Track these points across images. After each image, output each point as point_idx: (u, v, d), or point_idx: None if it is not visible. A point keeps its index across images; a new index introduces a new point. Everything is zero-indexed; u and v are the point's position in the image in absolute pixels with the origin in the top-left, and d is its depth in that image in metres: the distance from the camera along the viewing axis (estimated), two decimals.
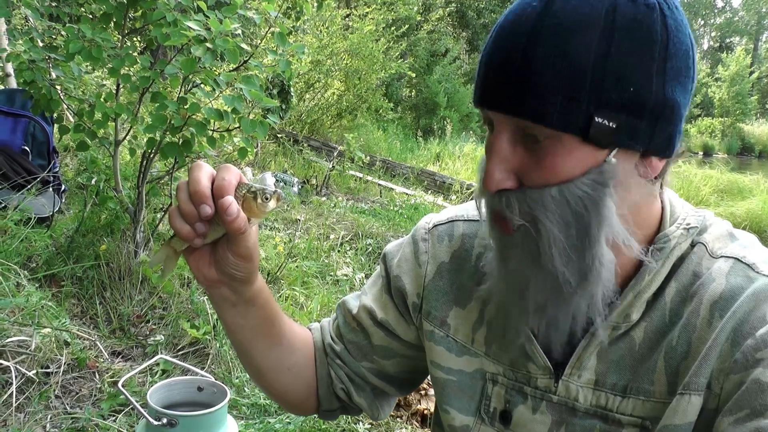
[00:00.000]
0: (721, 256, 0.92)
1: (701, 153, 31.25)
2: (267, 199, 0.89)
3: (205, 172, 0.88)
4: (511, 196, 0.86)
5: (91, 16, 3.77)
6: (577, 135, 0.81)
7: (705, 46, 66.80)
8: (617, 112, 0.80)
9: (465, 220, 1.15)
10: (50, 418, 2.44)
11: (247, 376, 2.72)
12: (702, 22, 66.71)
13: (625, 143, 0.82)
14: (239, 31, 3.10)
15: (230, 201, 0.86)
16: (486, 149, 0.90)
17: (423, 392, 3.07)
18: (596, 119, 0.80)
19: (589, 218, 0.83)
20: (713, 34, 67.02)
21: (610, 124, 0.80)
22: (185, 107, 3.13)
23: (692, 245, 0.94)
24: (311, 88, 12.95)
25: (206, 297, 3.24)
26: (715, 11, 67.28)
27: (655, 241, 0.93)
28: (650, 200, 0.93)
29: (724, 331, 0.85)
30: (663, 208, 0.96)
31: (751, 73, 38.96)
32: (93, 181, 3.99)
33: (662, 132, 0.83)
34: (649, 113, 0.81)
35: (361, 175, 9.59)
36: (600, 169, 0.83)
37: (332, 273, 4.84)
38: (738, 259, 0.90)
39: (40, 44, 3.55)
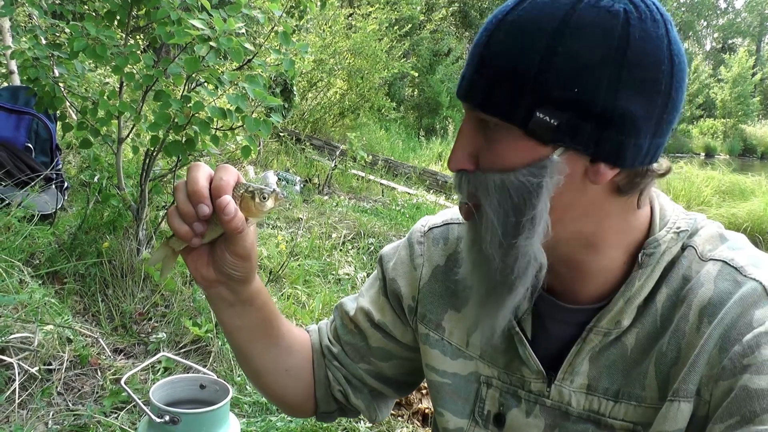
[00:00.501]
0: (710, 259, 0.91)
1: (703, 154, 31.22)
2: (265, 198, 0.89)
3: (203, 172, 0.89)
4: (464, 176, 0.91)
5: (94, 14, 3.77)
6: (519, 127, 0.83)
7: (707, 47, 66.74)
8: (560, 111, 0.81)
9: (460, 223, 1.15)
10: (52, 415, 2.45)
11: None
12: (705, 23, 66.63)
13: (567, 143, 0.82)
14: (243, 30, 3.11)
15: (228, 200, 0.86)
16: None
17: (424, 391, 3.08)
18: (537, 114, 0.81)
19: (524, 209, 0.85)
20: (716, 35, 66.93)
21: (552, 121, 0.81)
22: (189, 106, 3.13)
23: (683, 248, 0.94)
24: (314, 87, 12.95)
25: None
26: (718, 12, 67.18)
27: (644, 246, 0.93)
28: (624, 210, 0.92)
29: (712, 337, 0.85)
30: (652, 212, 0.96)
31: (754, 74, 38.97)
32: (96, 179, 4.00)
33: (610, 140, 0.82)
34: (595, 118, 0.81)
35: (363, 174, 9.59)
36: (541, 164, 0.84)
37: (334, 272, 4.84)
38: (726, 263, 0.90)
39: (44, 42, 3.55)
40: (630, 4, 0.81)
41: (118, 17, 3.38)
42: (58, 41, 3.58)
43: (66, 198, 4.39)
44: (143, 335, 3.19)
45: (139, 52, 3.23)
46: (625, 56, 0.80)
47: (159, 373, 2.81)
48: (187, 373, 1.39)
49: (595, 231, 0.91)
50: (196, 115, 3.17)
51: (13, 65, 4.88)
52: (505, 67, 0.83)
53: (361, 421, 2.79)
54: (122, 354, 3.04)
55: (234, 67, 3.36)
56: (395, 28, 14.26)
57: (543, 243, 0.87)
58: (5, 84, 5.41)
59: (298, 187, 7.64)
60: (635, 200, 0.91)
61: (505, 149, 0.85)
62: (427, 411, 3.01)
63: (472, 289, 0.97)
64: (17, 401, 2.42)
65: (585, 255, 0.93)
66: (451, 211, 1.19)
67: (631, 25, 0.80)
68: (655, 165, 0.88)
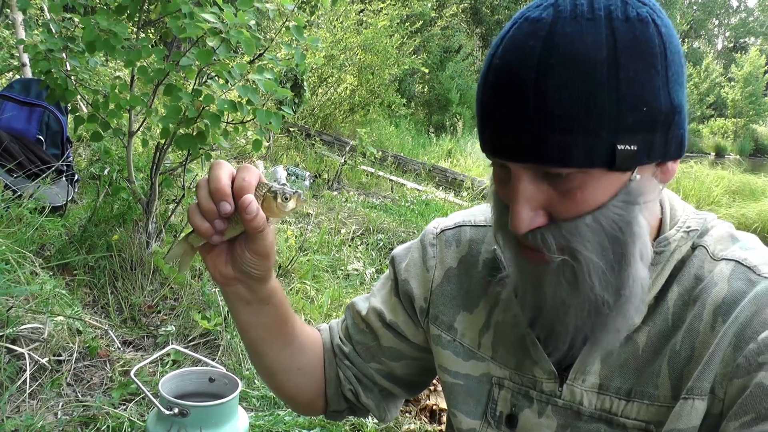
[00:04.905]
0: (722, 259, 0.92)
1: (713, 154, 31.10)
2: (287, 198, 0.90)
3: (225, 171, 0.90)
4: (546, 232, 0.86)
5: (106, 8, 3.78)
6: (603, 167, 0.81)
7: (719, 47, 66.38)
8: (635, 134, 0.80)
9: (472, 226, 1.16)
10: (62, 406, 2.46)
11: None
12: (716, 22, 66.29)
13: (644, 161, 0.82)
14: (252, 22, 3.11)
15: (250, 199, 0.87)
16: (509, 191, 0.87)
17: (432, 388, 3.08)
18: (618, 147, 0.79)
19: (625, 238, 0.84)
20: (727, 34, 66.59)
21: (632, 147, 0.80)
22: (200, 99, 3.14)
23: (693, 248, 0.94)
24: (324, 83, 12.96)
25: (217, 289, 3.25)
26: (730, 11, 66.83)
27: (655, 245, 0.93)
28: (656, 201, 0.94)
29: (727, 335, 0.85)
30: (663, 211, 0.96)
31: (766, 73, 38.71)
32: (106, 172, 4.01)
33: (674, 138, 0.84)
34: (661, 125, 0.82)
35: (372, 170, 9.59)
36: (627, 189, 0.83)
37: (343, 267, 4.85)
38: (739, 262, 0.90)
39: (56, 35, 3.56)
40: (645, 6, 0.82)
41: (129, 11, 3.39)
42: (70, 34, 3.59)
43: (76, 190, 4.41)
44: (152, 328, 3.20)
45: (150, 45, 3.23)
46: (666, 56, 0.81)
47: (168, 366, 2.82)
48: (196, 366, 1.39)
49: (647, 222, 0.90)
50: (207, 108, 3.18)
51: (26, 58, 4.90)
52: (573, 114, 0.78)
53: (369, 418, 2.80)
54: (131, 346, 3.05)
55: (245, 61, 3.36)
56: (406, 24, 14.22)
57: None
58: (17, 76, 5.43)
59: (307, 183, 7.64)
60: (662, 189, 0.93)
61: (590, 191, 0.83)
62: (434, 407, 3.01)
63: (577, 333, 0.92)
64: (28, 391, 2.43)
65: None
66: (462, 214, 1.20)
67: (658, 25, 0.81)
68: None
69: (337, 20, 13.03)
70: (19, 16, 4.96)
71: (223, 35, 2.91)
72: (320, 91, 12.97)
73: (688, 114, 0.88)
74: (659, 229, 0.95)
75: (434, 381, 3.03)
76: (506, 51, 0.82)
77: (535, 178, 0.84)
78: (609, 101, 0.77)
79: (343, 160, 8.95)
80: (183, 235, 1.00)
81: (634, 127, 0.79)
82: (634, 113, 0.79)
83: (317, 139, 10.74)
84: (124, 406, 2.52)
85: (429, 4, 17.70)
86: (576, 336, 0.92)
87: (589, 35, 0.78)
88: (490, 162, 0.91)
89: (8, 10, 4.92)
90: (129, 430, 2.38)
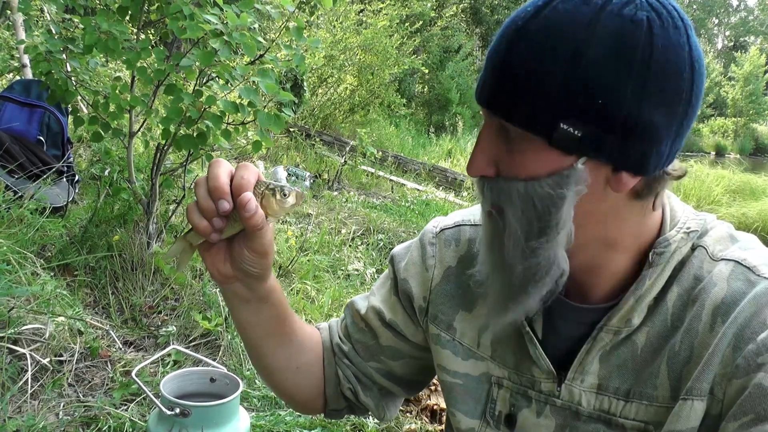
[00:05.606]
0: (722, 259, 0.92)
1: (713, 153, 31.08)
2: (285, 196, 0.90)
3: (224, 169, 0.90)
4: (486, 183, 0.91)
5: (106, 9, 3.78)
6: (543, 138, 0.83)
7: (719, 46, 66.35)
8: (584, 122, 0.81)
9: (472, 225, 1.16)
10: (63, 406, 2.46)
11: None
12: (716, 21, 66.25)
13: (591, 154, 0.83)
14: (256, 25, 3.11)
15: (249, 197, 0.87)
16: None
17: (433, 387, 3.08)
18: (561, 125, 0.81)
19: (548, 218, 0.85)
20: (728, 33, 66.55)
21: (576, 132, 0.81)
22: (201, 100, 3.14)
23: (693, 248, 0.94)
24: (324, 83, 12.96)
25: (218, 289, 3.25)
26: (730, 10, 66.79)
27: (655, 246, 0.93)
28: (641, 213, 0.93)
29: (726, 336, 0.85)
30: (663, 213, 0.96)
31: (766, 72, 38.69)
32: (106, 172, 4.01)
33: (633, 150, 0.82)
34: (619, 129, 0.81)
35: (372, 170, 9.59)
36: (564, 173, 0.84)
37: (343, 267, 4.85)
38: (738, 262, 0.90)
39: (56, 36, 3.57)
40: (653, 12, 0.80)
41: (130, 12, 3.39)
42: (70, 35, 3.59)
43: (77, 191, 4.41)
44: (153, 328, 3.21)
45: (150, 46, 3.24)
46: (649, 67, 0.79)
47: (169, 366, 2.82)
48: (197, 366, 1.39)
49: (614, 235, 0.92)
50: (208, 109, 3.18)
51: (26, 59, 4.90)
52: (528, 78, 0.82)
53: (370, 417, 2.80)
54: (132, 347, 3.05)
55: (245, 62, 3.36)
56: (406, 24, 14.22)
57: (565, 249, 0.88)
58: (18, 77, 5.43)
59: (307, 183, 7.64)
60: (651, 203, 0.92)
61: (528, 159, 0.85)
62: (435, 407, 3.02)
63: (489, 289, 0.97)
64: (29, 392, 2.44)
65: (602, 259, 0.94)
66: (462, 213, 1.20)
67: (654, 34, 0.80)
68: (670, 168, 0.89)
69: (336, 20, 13.03)
70: (20, 18, 4.96)
71: (225, 37, 2.91)
72: (320, 91, 12.96)
73: (674, 139, 0.85)
74: (660, 231, 0.95)
75: (435, 381, 3.04)
76: (515, 13, 0.87)
77: (496, 131, 0.89)
78: (563, 78, 0.80)
79: (343, 161, 8.94)
80: (182, 233, 1.00)
81: (583, 113, 0.80)
82: (587, 101, 0.80)
83: (317, 139, 10.74)
84: (126, 407, 2.52)
85: (429, 4, 17.69)
86: (498, 301, 0.95)
87: (576, 15, 0.80)
88: None
89: (9, 12, 4.93)
90: (130, 430, 2.38)
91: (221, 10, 2.98)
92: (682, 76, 0.81)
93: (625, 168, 0.84)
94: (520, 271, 0.89)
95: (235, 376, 1.29)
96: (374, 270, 4.89)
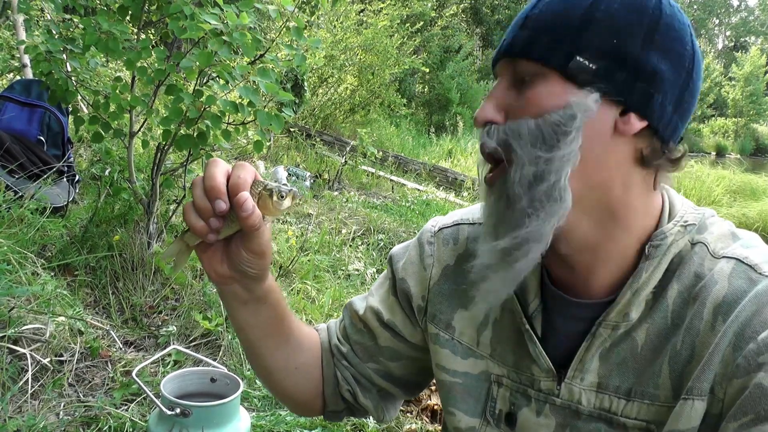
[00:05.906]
0: (723, 257, 0.91)
1: (714, 153, 31.08)
2: (282, 197, 0.89)
3: (220, 169, 0.89)
4: (493, 126, 0.92)
5: (107, 9, 3.79)
6: (558, 70, 0.87)
7: (720, 46, 66.36)
8: (599, 57, 0.87)
9: (470, 224, 1.16)
10: (63, 406, 2.46)
11: None
12: (717, 21, 66.26)
13: (602, 87, 0.86)
14: (256, 26, 3.11)
15: (246, 197, 0.87)
16: None
17: (433, 388, 3.08)
18: (577, 57, 0.86)
19: (557, 145, 0.87)
20: (728, 33, 66.57)
21: (590, 65, 0.86)
22: (201, 100, 3.14)
23: (693, 244, 0.94)
24: (324, 83, 12.95)
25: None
26: (731, 10, 66.79)
27: (651, 239, 0.93)
28: (644, 186, 0.93)
29: (727, 335, 0.84)
30: (663, 206, 0.96)
31: (766, 72, 38.69)
32: (107, 172, 4.01)
33: (640, 90, 0.87)
34: (630, 68, 0.87)
35: (373, 170, 9.58)
36: (576, 103, 0.86)
37: (344, 267, 4.85)
38: (740, 260, 0.90)
39: (57, 36, 3.57)
40: None
41: (130, 12, 3.39)
42: (71, 35, 3.59)
43: (77, 191, 4.41)
44: (153, 328, 3.21)
45: (151, 46, 3.24)
46: (658, 23, 0.88)
47: (169, 366, 2.82)
48: (198, 366, 1.39)
49: (618, 207, 0.91)
50: (208, 109, 3.18)
51: (26, 59, 4.90)
52: (548, 20, 0.89)
53: (370, 418, 2.80)
54: (132, 347, 3.05)
55: (245, 62, 3.36)
56: (406, 24, 14.23)
57: (571, 217, 0.88)
58: (18, 77, 5.43)
59: (308, 183, 7.64)
60: (652, 179, 0.93)
61: (541, 95, 0.89)
62: (435, 407, 3.02)
63: (487, 218, 0.96)
64: (30, 392, 2.44)
65: (605, 237, 0.93)
66: (461, 212, 1.20)
67: (663, 4, 0.89)
68: (671, 145, 0.91)
69: (337, 20, 13.03)
70: (20, 18, 4.97)
71: (225, 38, 2.91)
72: (321, 91, 12.96)
73: (676, 104, 0.90)
74: (658, 223, 0.95)
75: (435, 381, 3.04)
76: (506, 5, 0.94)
77: (509, 84, 0.93)
78: (582, 19, 0.87)
79: (343, 161, 8.94)
80: (179, 233, 0.99)
81: (599, 49, 0.87)
82: (602, 39, 0.87)
83: (318, 139, 10.74)
84: (126, 407, 2.52)
85: (429, 4, 17.71)
86: (498, 222, 0.93)
87: None
88: None
89: (9, 12, 4.93)
90: (131, 430, 2.38)
91: (221, 9, 2.98)
92: (685, 47, 0.89)
93: (632, 108, 0.87)
94: (523, 204, 0.88)
95: (235, 376, 1.29)
96: (375, 270, 4.89)
